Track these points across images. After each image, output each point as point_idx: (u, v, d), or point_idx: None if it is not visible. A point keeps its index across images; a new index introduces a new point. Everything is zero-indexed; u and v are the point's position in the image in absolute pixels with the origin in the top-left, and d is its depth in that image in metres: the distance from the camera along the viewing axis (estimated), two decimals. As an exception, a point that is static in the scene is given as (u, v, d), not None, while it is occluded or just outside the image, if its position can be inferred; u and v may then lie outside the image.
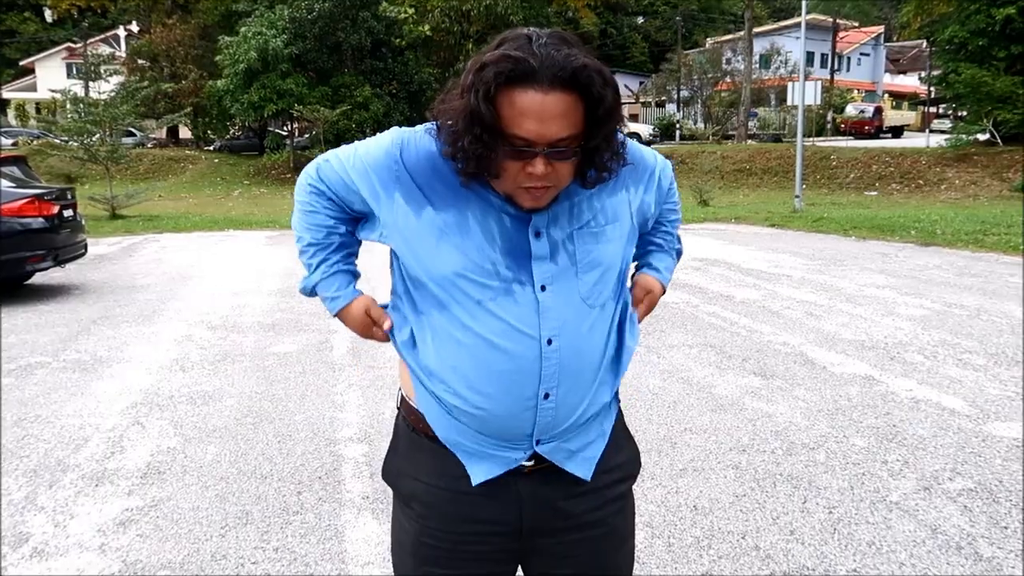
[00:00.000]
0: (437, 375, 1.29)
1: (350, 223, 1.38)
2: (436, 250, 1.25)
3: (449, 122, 1.18)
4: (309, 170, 1.38)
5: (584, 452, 1.35)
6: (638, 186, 1.38)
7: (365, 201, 1.30)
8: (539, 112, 1.12)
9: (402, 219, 1.27)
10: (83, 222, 8.82)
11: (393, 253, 1.34)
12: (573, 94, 1.13)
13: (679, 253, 1.61)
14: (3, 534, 2.95)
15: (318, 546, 2.83)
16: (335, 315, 1.40)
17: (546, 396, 1.27)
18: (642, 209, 1.39)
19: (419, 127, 1.32)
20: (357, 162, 1.31)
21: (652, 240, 1.55)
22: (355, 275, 1.43)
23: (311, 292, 1.41)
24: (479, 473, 1.32)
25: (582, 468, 1.35)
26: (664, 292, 1.55)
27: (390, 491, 1.45)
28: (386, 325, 1.37)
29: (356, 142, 1.35)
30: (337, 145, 1.50)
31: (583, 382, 1.30)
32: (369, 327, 1.39)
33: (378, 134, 1.34)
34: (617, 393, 1.44)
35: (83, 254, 8.60)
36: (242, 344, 5.82)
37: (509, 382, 1.26)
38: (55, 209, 7.69)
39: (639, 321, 1.46)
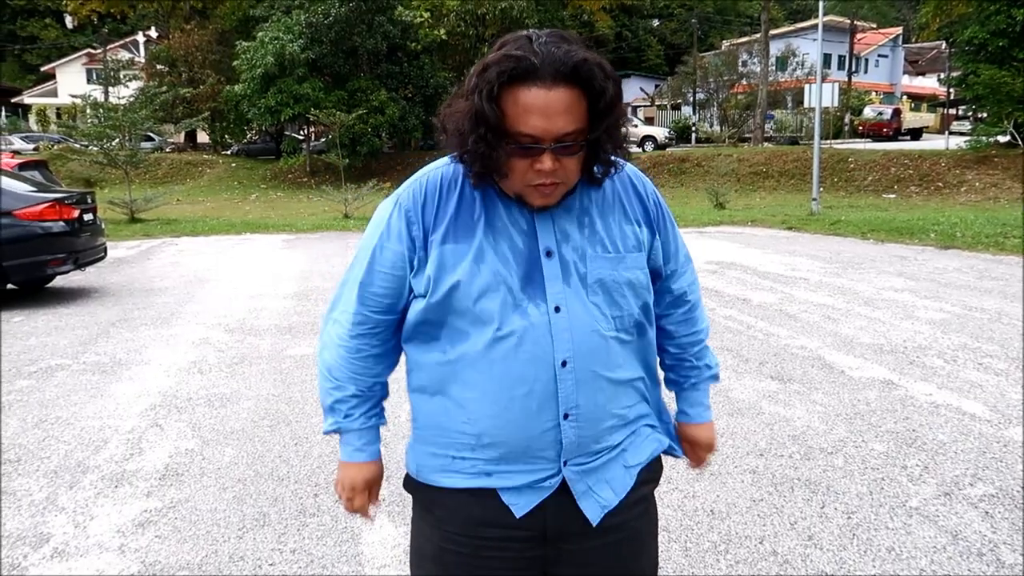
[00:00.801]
0: (454, 409, 1.30)
1: (395, 353, 1.42)
2: (453, 288, 1.25)
3: (455, 125, 1.20)
4: (343, 312, 1.37)
5: (601, 494, 1.34)
6: (661, 244, 1.40)
7: (406, 280, 1.31)
8: (543, 108, 1.14)
9: (422, 271, 1.28)
10: (103, 226, 8.93)
11: (414, 297, 1.34)
12: (576, 88, 1.15)
13: (716, 376, 1.57)
14: (25, 534, 2.99)
15: (335, 548, 2.84)
16: (344, 461, 1.44)
17: (566, 416, 1.27)
18: (655, 258, 1.40)
19: (414, 176, 1.33)
20: (376, 260, 1.31)
21: (689, 377, 1.54)
22: (381, 425, 1.49)
23: (332, 432, 1.44)
24: (520, 507, 1.31)
25: (593, 510, 1.33)
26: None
27: (406, 494, 1.45)
28: (371, 512, 1.47)
29: (360, 251, 1.35)
30: (353, 149, 1.51)
31: (602, 403, 1.30)
32: (353, 500, 1.45)
33: (376, 211, 1.35)
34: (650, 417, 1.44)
35: (103, 257, 8.71)
36: (259, 347, 5.86)
37: (527, 405, 1.26)
38: (75, 213, 7.79)
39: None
